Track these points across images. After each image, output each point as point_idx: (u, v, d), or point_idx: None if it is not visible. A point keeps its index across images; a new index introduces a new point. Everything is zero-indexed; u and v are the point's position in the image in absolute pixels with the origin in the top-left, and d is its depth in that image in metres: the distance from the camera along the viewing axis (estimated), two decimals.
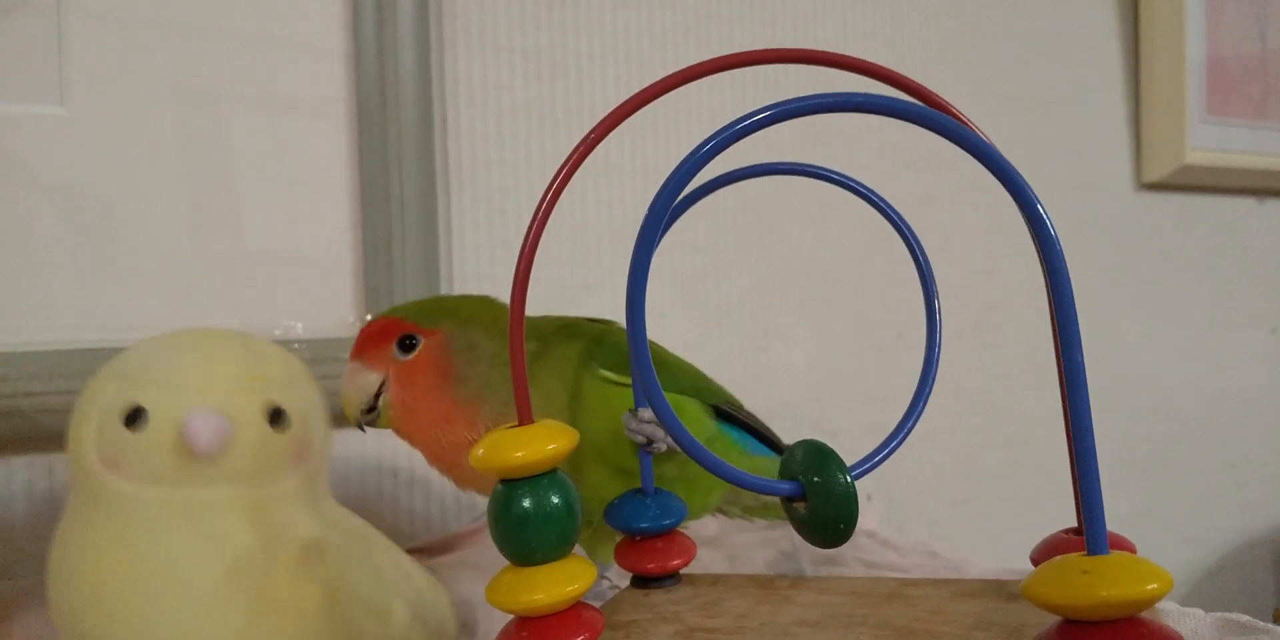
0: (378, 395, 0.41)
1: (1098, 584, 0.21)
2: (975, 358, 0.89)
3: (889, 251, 0.83)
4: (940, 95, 0.30)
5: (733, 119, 0.24)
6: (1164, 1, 1.02)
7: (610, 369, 0.41)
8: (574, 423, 0.36)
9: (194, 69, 0.53)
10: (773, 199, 0.77)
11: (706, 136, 0.24)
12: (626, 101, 0.27)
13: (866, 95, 0.23)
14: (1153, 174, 1.04)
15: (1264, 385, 1.14)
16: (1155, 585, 0.21)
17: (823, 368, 0.80)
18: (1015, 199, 0.22)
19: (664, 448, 0.36)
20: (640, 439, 0.35)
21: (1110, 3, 1.03)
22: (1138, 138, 1.05)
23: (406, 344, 0.40)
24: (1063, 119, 0.99)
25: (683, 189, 0.25)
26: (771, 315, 0.77)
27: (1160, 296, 1.05)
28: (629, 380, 0.41)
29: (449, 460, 0.41)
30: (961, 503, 0.88)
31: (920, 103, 0.23)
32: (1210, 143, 1.05)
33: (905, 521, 0.81)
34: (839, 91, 0.24)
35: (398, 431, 0.41)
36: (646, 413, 0.35)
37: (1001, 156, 0.22)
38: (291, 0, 0.56)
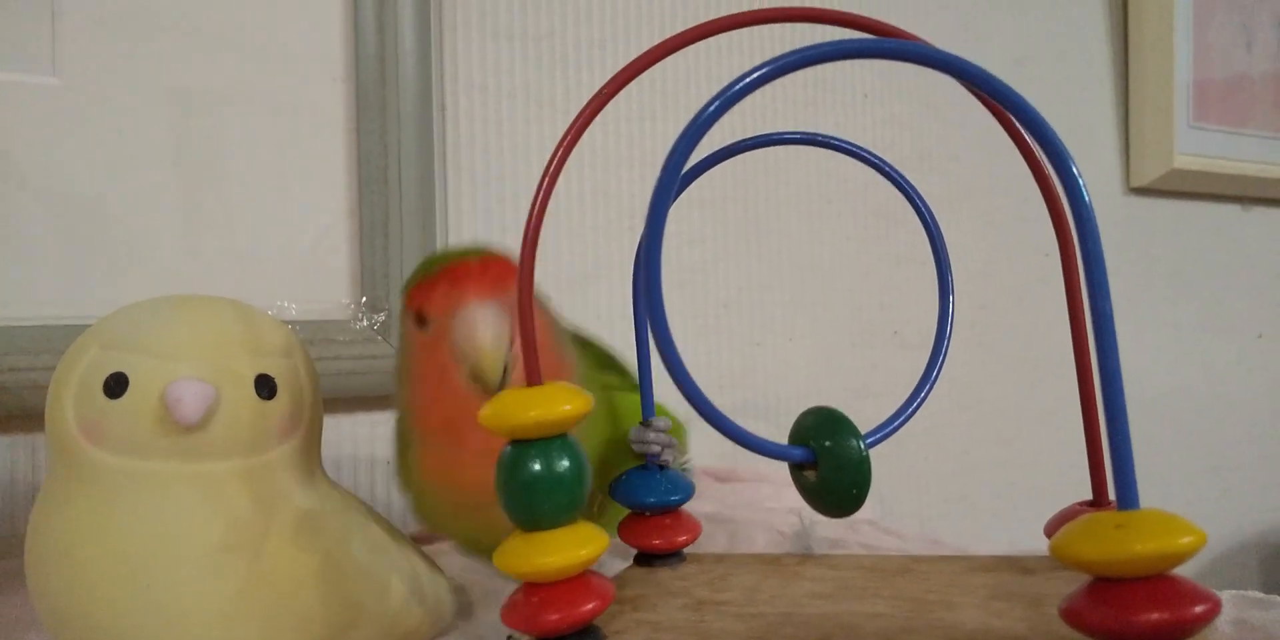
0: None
1: (1132, 538, 0.20)
2: (968, 356, 0.89)
3: (885, 248, 0.83)
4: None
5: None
6: (1153, 8, 1.03)
7: (610, 376, 0.40)
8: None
9: (190, 41, 0.52)
10: (770, 193, 0.77)
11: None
12: (640, 57, 0.27)
13: (892, 40, 0.23)
14: (1141, 178, 1.04)
15: (1251, 390, 1.14)
16: (1190, 538, 0.20)
17: (819, 363, 0.79)
18: (1035, 136, 0.22)
19: (671, 459, 0.35)
20: (655, 449, 0.34)
21: (1101, 9, 1.04)
22: (1126, 142, 1.06)
23: None
24: (1052, 122, 0.99)
25: (693, 148, 0.25)
26: (768, 310, 0.76)
27: (1148, 301, 1.06)
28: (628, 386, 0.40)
29: None
30: (955, 501, 0.87)
31: (942, 50, 0.22)
32: (1197, 148, 1.05)
33: (899, 519, 0.80)
34: (858, 38, 0.23)
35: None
36: (661, 421, 0.34)
37: (1027, 102, 0.22)
38: None
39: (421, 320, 0.34)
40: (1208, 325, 1.11)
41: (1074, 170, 0.21)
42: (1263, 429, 1.15)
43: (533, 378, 0.26)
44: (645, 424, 0.34)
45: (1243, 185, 1.11)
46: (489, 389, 0.31)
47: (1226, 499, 1.12)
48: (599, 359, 0.41)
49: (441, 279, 0.34)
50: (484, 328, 0.32)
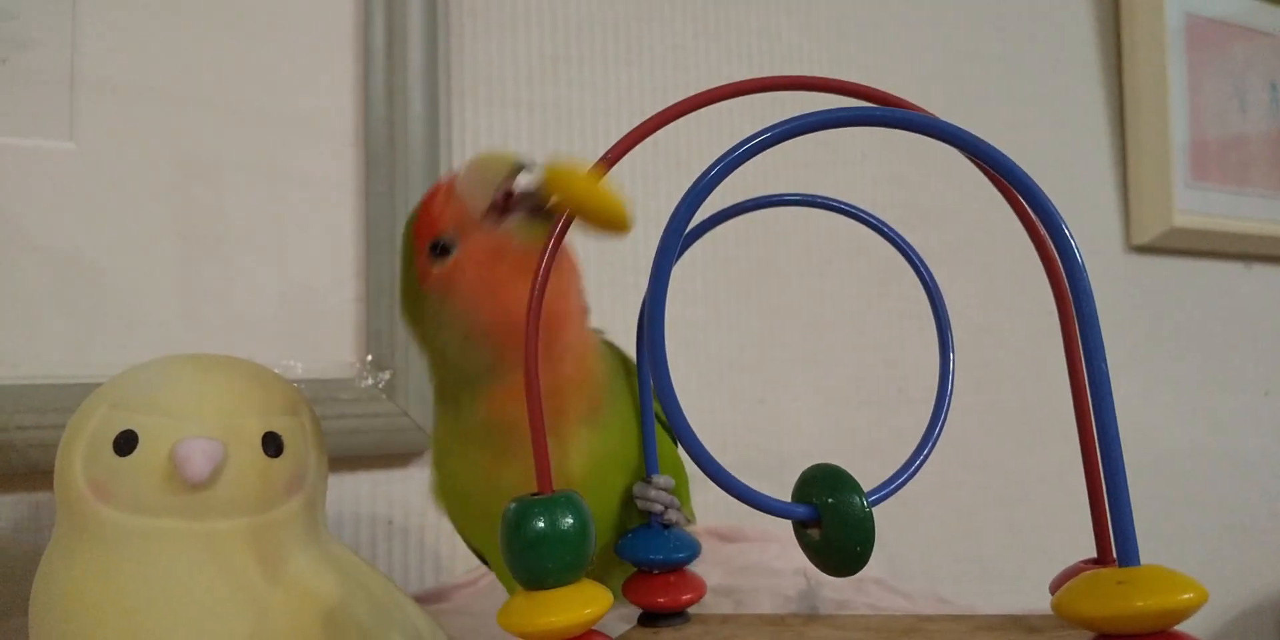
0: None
1: (1133, 594, 0.20)
2: (973, 414, 0.89)
3: (889, 306, 0.83)
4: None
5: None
6: (1146, 71, 1.05)
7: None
8: (610, 429, 0.34)
9: (203, 108, 0.54)
10: (772, 251, 0.78)
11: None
12: (645, 122, 0.28)
13: (883, 109, 0.23)
14: (1142, 236, 1.05)
15: (1261, 448, 1.13)
16: (1191, 594, 0.20)
17: (823, 421, 0.79)
18: (1029, 203, 0.22)
19: (675, 517, 0.34)
20: (658, 508, 0.34)
21: (1096, 68, 1.06)
22: (1126, 200, 1.07)
23: None
24: (1051, 182, 1.00)
25: (695, 210, 0.25)
26: (772, 367, 0.77)
27: (1154, 358, 1.06)
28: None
29: None
30: (963, 559, 0.86)
31: (932, 116, 0.23)
32: (1197, 206, 1.07)
33: (907, 579, 0.79)
34: (855, 106, 0.24)
35: None
36: (663, 479, 0.34)
37: (1020, 168, 0.23)
38: (302, 48, 0.57)
39: (441, 246, 0.32)
40: (1214, 383, 1.11)
41: (1066, 233, 0.22)
42: (1276, 486, 1.14)
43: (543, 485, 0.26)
44: (647, 481, 0.34)
45: (1244, 243, 1.12)
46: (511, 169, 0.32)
47: (1241, 557, 1.10)
48: (624, 361, 0.40)
49: (433, 195, 0.33)
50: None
